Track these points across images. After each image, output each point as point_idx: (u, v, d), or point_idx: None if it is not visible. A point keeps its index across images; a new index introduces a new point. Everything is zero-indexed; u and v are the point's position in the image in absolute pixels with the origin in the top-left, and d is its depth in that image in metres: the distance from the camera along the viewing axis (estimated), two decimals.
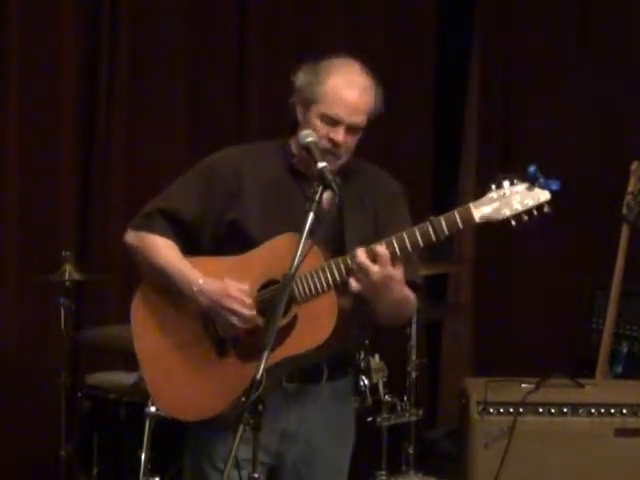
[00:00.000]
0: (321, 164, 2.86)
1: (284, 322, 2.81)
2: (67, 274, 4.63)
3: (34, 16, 5.08)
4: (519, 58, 5.86)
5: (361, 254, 2.81)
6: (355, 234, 2.97)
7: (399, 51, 5.78)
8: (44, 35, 5.11)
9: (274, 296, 2.83)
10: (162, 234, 3.06)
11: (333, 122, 2.97)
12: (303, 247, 2.72)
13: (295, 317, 2.90)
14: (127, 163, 5.28)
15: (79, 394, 4.61)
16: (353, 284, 2.83)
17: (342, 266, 2.87)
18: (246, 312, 2.91)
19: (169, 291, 3.05)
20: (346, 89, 2.98)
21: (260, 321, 2.92)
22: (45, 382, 4.95)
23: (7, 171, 5.06)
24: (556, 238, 5.70)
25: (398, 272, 2.84)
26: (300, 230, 2.74)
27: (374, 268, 2.79)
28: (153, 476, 4.30)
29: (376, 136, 5.66)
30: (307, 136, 2.95)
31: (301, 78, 3.04)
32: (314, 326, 2.90)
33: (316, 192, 2.80)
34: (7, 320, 5.07)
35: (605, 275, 4.86)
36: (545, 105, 5.78)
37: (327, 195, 2.86)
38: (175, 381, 3.04)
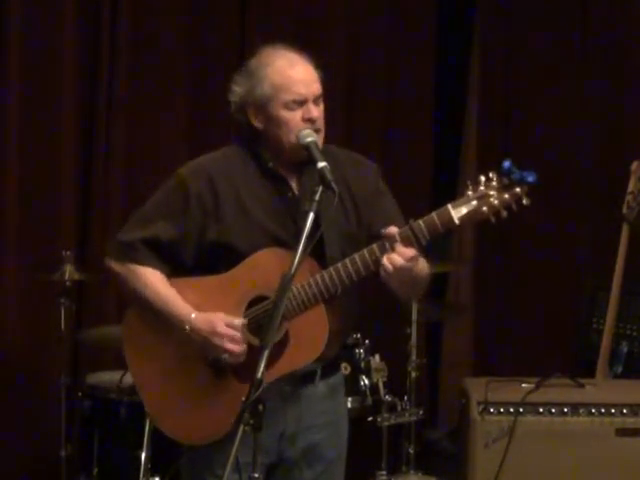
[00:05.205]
0: (321, 164, 2.86)
1: (276, 339, 2.77)
2: (67, 274, 4.63)
3: (34, 16, 5.08)
4: (519, 58, 5.85)
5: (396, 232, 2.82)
6: (335, 233, 2.96)
7: (399, 51, 5.78)
8: (44, 35, 5.11)
9: (265, 312, 2.88)
10: (148, 264, 3.02)
11: (300, 103, 2.95)
12: (303, 247, 2.73)
13: (287, 334, 2.89)
14: (127, 163, 5.28)
15: (79, 394, 4.61)
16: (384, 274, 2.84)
17: (329, 280, 2.87)
18: (235, 348, 2.91)
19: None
20: (290, 68, 2.97)
21: (254, 340, 2.91)
22: (45, 382, 4.96)
23: (7, 171, 5.06)
24: (556, 238, 5.70)
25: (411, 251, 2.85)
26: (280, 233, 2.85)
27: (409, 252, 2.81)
28: (153, 476, 4.31)
29: (376, 135, 5.74)
30: (307, 136, 2.94)
31: (239, 90, 3.01)
32: (307, 341, 2.91)
33: (316, 192, 2.80)
34: (7, 320, 5.07)
35: (605, 275, 4.86)
36: (545, 105, 5.78)
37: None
38: (176, 405, 3.03)
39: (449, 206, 2.81)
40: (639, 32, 5.72)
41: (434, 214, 2.82)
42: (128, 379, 4.30)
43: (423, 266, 2.97)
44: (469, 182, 2.81)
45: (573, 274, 5.66)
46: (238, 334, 2.91)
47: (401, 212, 3.11)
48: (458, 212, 2.80)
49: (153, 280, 3.03)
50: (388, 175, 3.20)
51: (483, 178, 2.80)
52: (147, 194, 3.15)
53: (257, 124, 3.01)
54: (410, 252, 2.82)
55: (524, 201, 2.78)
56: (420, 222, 2.83)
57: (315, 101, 2.97)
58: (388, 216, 3.05)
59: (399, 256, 2.81)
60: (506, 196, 2.78)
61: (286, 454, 3.06)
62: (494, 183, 2.79)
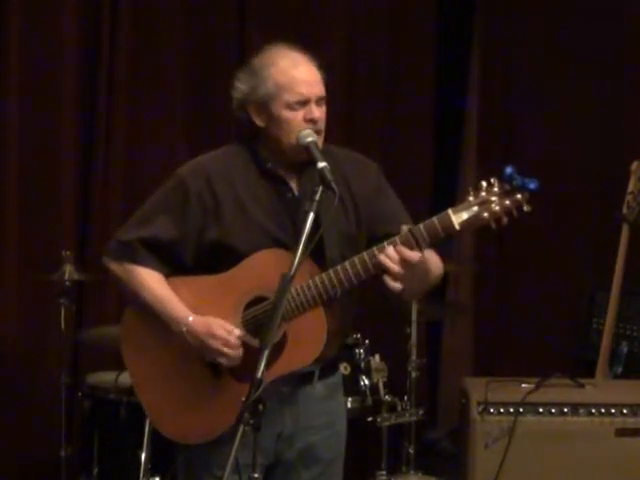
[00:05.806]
0: (321, 164, 2.86)
1: (275, 340, 2.77)
2: (67, 274, 4.63)
3: (34, 16, 5.08)
4: (519, 58, 5.85)
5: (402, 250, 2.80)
6: (335, 234, 2.96)
7: (399, 51, 5.78)
8: (44, 35, 5.11)
9: (264, 313, 2.88)
10: (146, 265, 3.03)
11: (301, 104, 2.95)
12: (303, 248, 2.73)
13: (285, 335, 2.89)
14: (127, 163, 5.28)
15: (79, 394, 4.62)
16: (391, 283, 2.83)
17: (328, 283, 2.87)
18: (230, 352, 2.92)
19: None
20: (294, 68, 2.97)
21: (253, 341, 2.91)
22: (45, 382, 4.96)
23: (7, 171, 5.06)
24: (556, 238, 5.70)
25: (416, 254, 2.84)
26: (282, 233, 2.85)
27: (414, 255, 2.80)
28: (153, 476, 4.31)
29: (376, 136, 5.74)
30: (307, 136, 2.94)
31: (242, 87, 3.01)
32: (305, 342, 2.91)
33: (316, 192, 2.80)
34: (7, 320, 5.07)
35: (605, 275, 4.86)
36: (545, 105, 5.78)
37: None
38: (173, 405, 3.03)
39: (450, 211, 2.81)
40: (639, 32, 5.72)
41: (435, 219, 2.82)
42: (124, 379, 4.30)
43: (437, 265, 2.98)
44: (470, 188, 2.80)
45: (573, 274, 5.66)
46: (234, 337, 2.91)
47: (404, 207, 3.11)
48: (459, 217, 2.80)
49: (150, 281, 3.03)
50: (388, 175, 3.20)
51: (484, 184, 2.79)
52: (147, 194, 3.15)
53: (259, 122, 3.01)
54: (409, 253, 2.82)
55: (525, 208, 2.78)
56: (421, 226, 2.83)
57: (317, 102, 2.97)
58: (392, 213, 3.05)
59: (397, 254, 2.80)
60: (507, 202, 2.77)
61: (284, 455, 3.06)
62: (495, 189, 2.78)
